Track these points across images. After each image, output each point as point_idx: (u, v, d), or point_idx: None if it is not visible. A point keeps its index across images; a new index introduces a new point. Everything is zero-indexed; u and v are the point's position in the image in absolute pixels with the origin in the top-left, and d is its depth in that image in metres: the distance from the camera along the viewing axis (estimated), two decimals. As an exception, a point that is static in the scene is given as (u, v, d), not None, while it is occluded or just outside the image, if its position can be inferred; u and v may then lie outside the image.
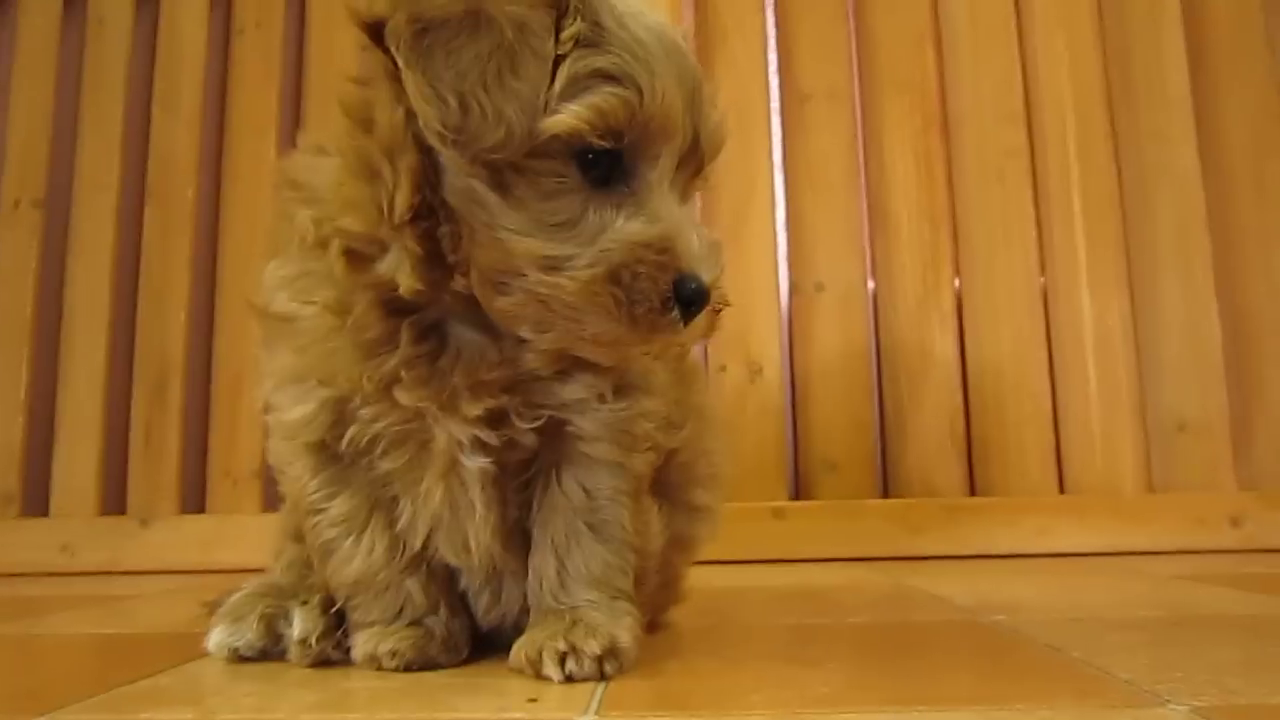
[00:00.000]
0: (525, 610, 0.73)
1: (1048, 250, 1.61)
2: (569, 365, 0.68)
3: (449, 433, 0.67)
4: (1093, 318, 1.58)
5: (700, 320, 0.62)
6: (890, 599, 1.05)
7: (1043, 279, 1.61)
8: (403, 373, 0.65)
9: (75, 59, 1.75)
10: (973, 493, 1.57)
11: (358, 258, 0.64)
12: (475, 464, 0.68)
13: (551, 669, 0.65)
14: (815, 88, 1.68)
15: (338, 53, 1.68)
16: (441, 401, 0.65)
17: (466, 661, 0.73)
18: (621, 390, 0.70)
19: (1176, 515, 1.51)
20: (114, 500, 1.64)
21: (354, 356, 0.66)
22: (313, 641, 0.72)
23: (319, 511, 0.71)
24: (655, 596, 0.81)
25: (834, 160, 1.66)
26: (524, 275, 0.61)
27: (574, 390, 0.68)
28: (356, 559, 0.71)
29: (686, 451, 0.80)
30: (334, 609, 0.74)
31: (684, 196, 0.66)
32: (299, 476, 0.72)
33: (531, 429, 0.68)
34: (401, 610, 0.71)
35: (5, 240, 1.71)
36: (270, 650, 0.74)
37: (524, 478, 0.71)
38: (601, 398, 0.69)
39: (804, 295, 1.64)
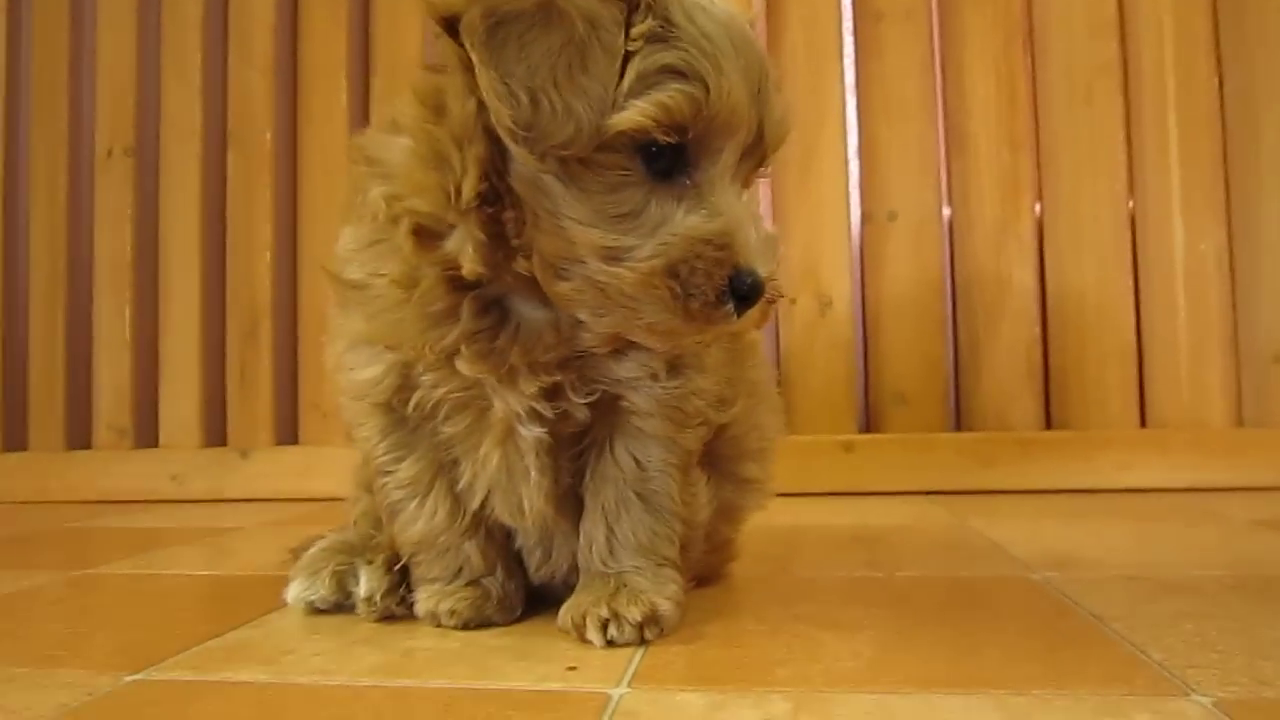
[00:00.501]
0: (575, 567, 0.77)
1: (1138, 173, 1.52)
2: (623, 345, 0.69)
3: (506, 403, 0.70)
4: (1184, 244, 1.50)
5: (754, 311, 0.64)
6: (946, 548, 1.05)
7: (1131, 204, 1.53)
8: (463, 346, 0.68)
9: (155, 10, 1.80)
10: (1049, 427, 1.54)
11: (425, 236, 0.67)
12: (531, 433, 0.71)
13: (594, 634, 0.68)
14: (890, 5, 1.60)
15: (404, -5, 1.68)
16: (500, 375, 0.68)
17: (522, 616, 0.77)
18: (674, 369, 0.72)
19: (1267, 451, 1.45)
20: (215, 433, 1.76)
21: (419, 326, 0.69)
22: (377, 599, 0.78)
23: (387, 473, 0.76)
24: (704, 559, 0.84)
25: (909, 82, 1.59)
26: (584, 263, 0.63)
27: (628, 368, 0.71)
28: (420, 521, 0.76)
29: (738, 426, 0.81)
30: (397, 567, 0.79)
31: (745, 186, 0.67)
32: (369, 437, 0.76)
33: (585, 403, 0.71)
34: (460, 570, 0.76)
35: (102, 187, 1.80)
36: (342, 604, 0.80)
37: (578, 447, 0.75)
38: (654, 376, 0.71)
39: (876, 224, 1.60)
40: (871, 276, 1.60)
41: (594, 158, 0.61)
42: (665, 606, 0.71)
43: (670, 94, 0.59)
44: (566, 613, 0.71)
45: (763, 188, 1.61)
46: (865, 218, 1.60)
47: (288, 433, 1.73)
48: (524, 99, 0.59)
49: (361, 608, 0.78)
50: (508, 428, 0.71)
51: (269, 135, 1.73)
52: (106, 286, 1.79)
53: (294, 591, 0.81)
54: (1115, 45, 1.53)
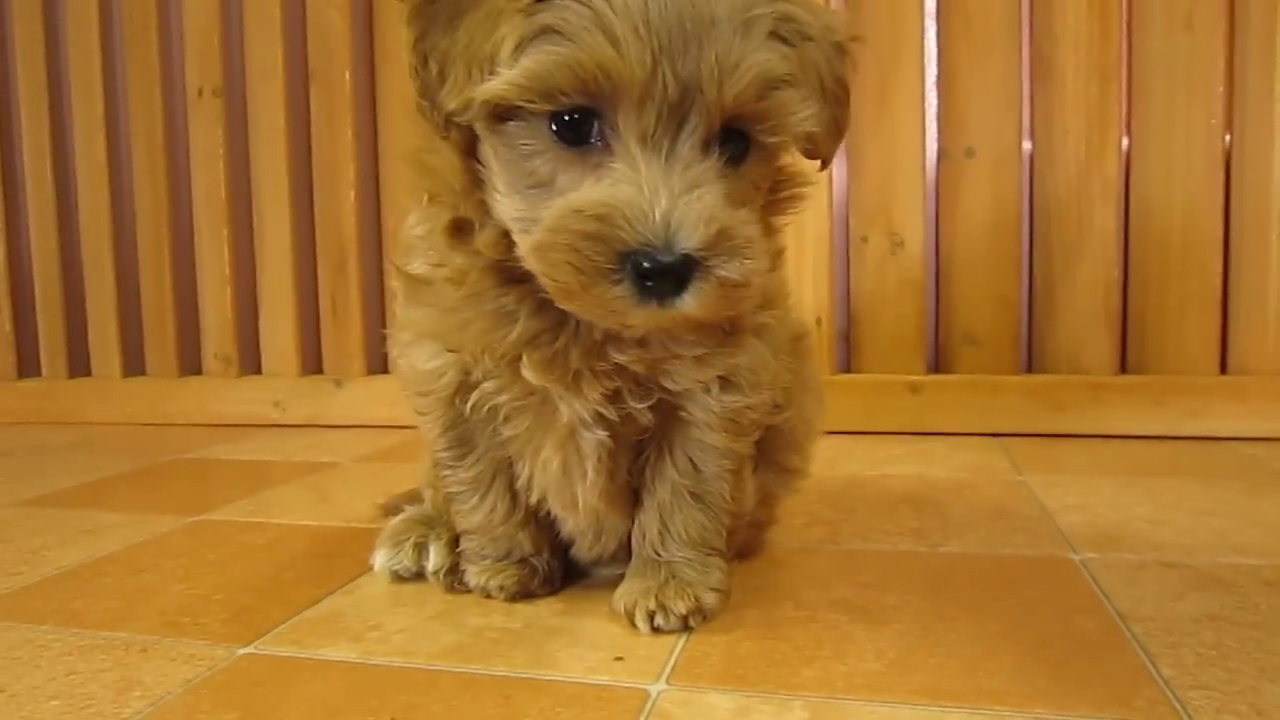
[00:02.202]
0: (623, 547, 0.83)
1: (1238, 107, 1.44)
2: (672, 355, 0.71)
3: (572, 409, 0.72)
4: (1283, 182, 1.43)
5: (698, 297, 0.58)
6: (994, 515, 1.08)
7: (1228, 139, 1.45)
8: (525, 354, 0.70)
9: (233, -49, 1.83)
10: (1122, 371, 1.52)
11: (458, 230, 0.70)
12: (594, 436, 0.74)
13: (641, 623, 0.75)
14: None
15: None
16: (566, 382, 0.71)
17: (576, 588, 0.86)
18: (728, 384, 0.74)
19: (1352, 401, 1.41)
20: (311, 362, 1.88)
21: (481, 328, 0.71)
22: (442, 575, 0.86)
23: (448, 467, 0.82)
24: (744, 535, 0.90)
25: (994, 7, 1.52)
26: (512, 235, 0.64)
27: (681, 381, 0.73)
28: (479, 514, 0.82)
29: (788, 421, 0.84)
30: (460, 546, 0.87)
31: (701, 151, 0.60)
32: (431, 428, 0.82)
33: (645, 407, 0.73)
34: (510, 552, 0.84)
35: (196, 126, 1.88)
36: (421, 573, 0.89)
37: (636, 447, 0.79)
38: (707, 389, 0.73)
39: (952, 161, 1.56)
40: (946, 215, 1.57)
41: (507, 128, 0.61)
42: (709, 598, 0.77)
43: (537, 58, 0.57)
44: (621, 598, 0.78)
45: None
46: (941, 154, 1.56)
47: (378, 362, 1.84)
48: (434, 70, 0.61)
49: (433, 580, 0.87)
50: (570, 431, 0.74)
51: (348, 74, 1.77)
52: (205, 222, 1.89)
53: (380, 560, 0.90)
54: (1222, -36, 1.42)
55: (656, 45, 0.56)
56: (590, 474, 0.76)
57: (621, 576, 0.82)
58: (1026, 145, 1.53)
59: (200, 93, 1.86)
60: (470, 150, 0.66)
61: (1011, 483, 1.23)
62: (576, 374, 0.70)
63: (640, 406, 0.73)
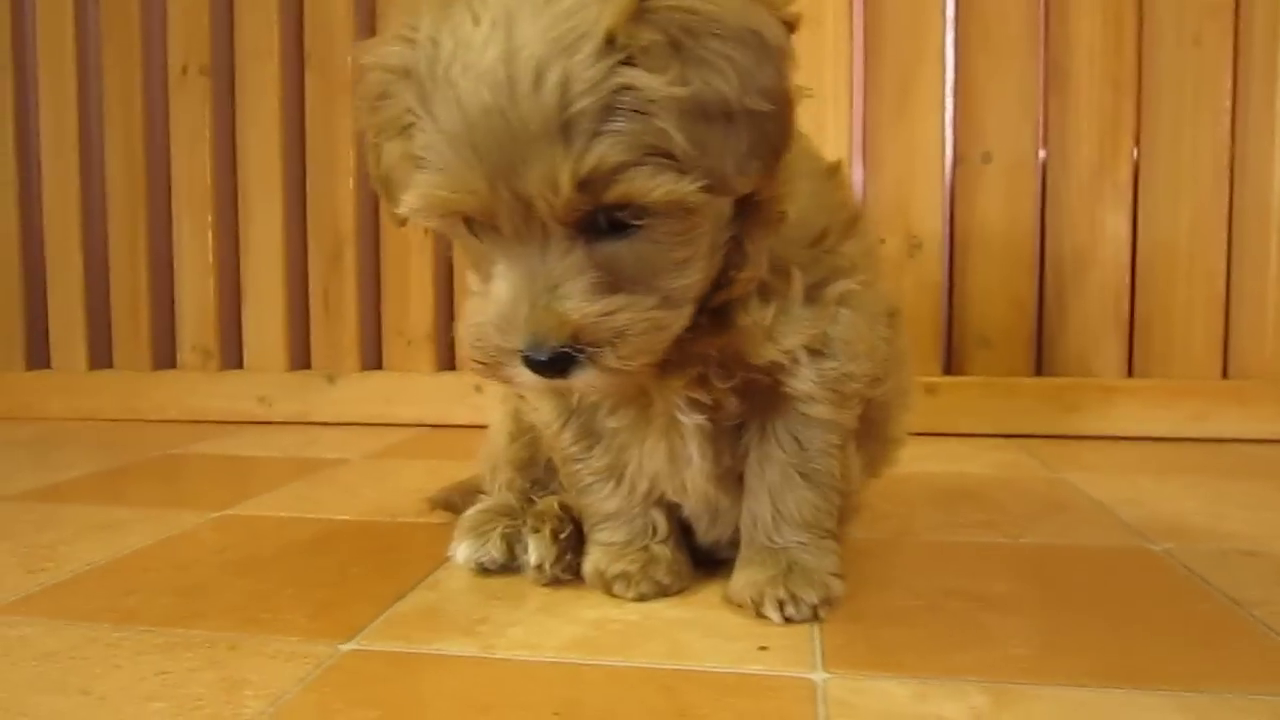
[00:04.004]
0: (739, 531, 0.81)
1: (1240, 120, 1.50)
2: (744, 336, 0.70)
3: (664, 396, 0.73)
4: (1283, 195, 1.49)
5: (588, 377, 0.61)
6: (1054, 508, 1.09)
7: (1232, 151, 1.51)
8: None
9: (228, -78, 1.74)
10: (1130, 374, 1.56)
11: None
12: (692, 420, 0.74)
13: (772, 612, 0.73)
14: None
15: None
16: (653, 371, 0.69)
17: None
18: (822, 354, 0.73)
19: (1346, 404, 1.47)
20: (300, 357, 1.79)
21: None
22: (546, 567, 0.82)
23: (578, 460, 0.81)
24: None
25: (1012, 16, 1.55)
26: None
27: (758, 355, 0.71)
28: (615, 499, 0.81)
29: (886, 394, 0.83)
30: (563, 536, 0.83)
31: (569, 242, 0.60)
32: (549, 422, 0.81)
33: (730, 387, 0.73)
34: (639, 534, 0.81)
35: (179, 106, 1.78)
36: (507, 565, 0.85)
37: (739, 430, 0.77)
38: (796, 360, 0.72)
39: (969, 166, 1.58)
40: (961, 218, 1.59)
41: (449, 228, 0.65)
42: (837, 586, 0.75)
43: (414, 192, 0.60)
44: (744, 590, 0.75)
45: (856, 123, 1.59)
46: (958, 159, 1.58)
47: (373, 358, 1.76)
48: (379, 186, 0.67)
49: (531, 574, 0.82)
50: (669, 418, 0.75)
51: (350, 59, 1.70)
52: (186, 208, 1.79)
53: (464, 552, 0.85)
54: (1230, -16, 1.48)
55: (489, 168, 0.57)
56: (695, 458, 0.77)
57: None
58: (1041, 152, 1.57)
59: (185, 70, 1.76)
60: None
61: (1052, 479, 1.25)
62: (660, 365, 0.68)
63: (724, 386, 0.72)
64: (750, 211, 0.65)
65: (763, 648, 0.69)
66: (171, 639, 0.71)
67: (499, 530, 0.85)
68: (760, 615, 0.74)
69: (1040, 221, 1.57)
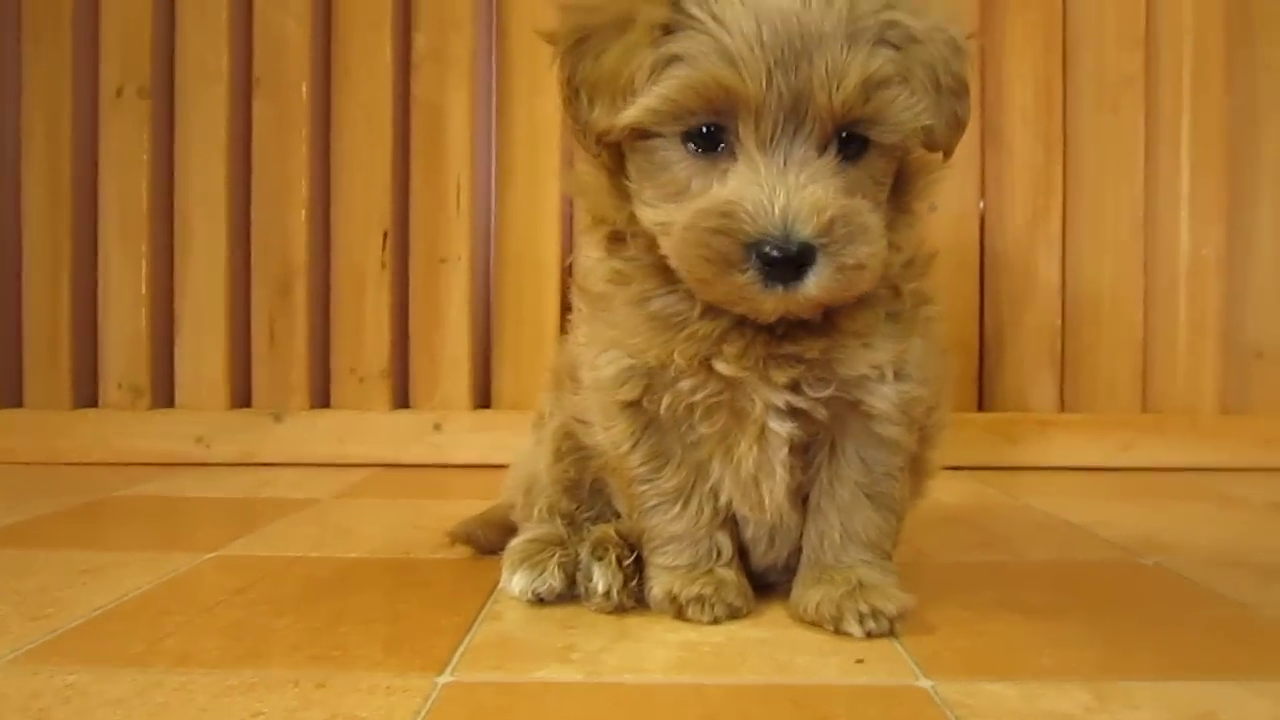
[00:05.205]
0: (793, 553, 0.83)
1: (1151, 179, 1.66)
2: (842, 342, 0.74)
3: (764, 399, 0.74)
4: (1189, 247, 1.66)
5: (818, 280, 0.65)
6: (1039, 530, 1.17)
7: (1145, 208, 1.67)
8: (720, 349, 0.73)
9: (176, -60, 1.67)
10: (1062, 409, 1.68)
11: (615, 239, 0.77)
12: (784, 428, 0.76)
13: (854, 627, 0.75)
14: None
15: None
16: (760, 372, 0.73)
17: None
18: (902, 375, 0.77)
19: (1247, 435, 1.64)
20: (241, 394, 1.70)
21: (655, 329, 0.74)
22: (614, 594, 0.81)
23: (646, 481, 0.80)
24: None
25: (951, 78, 1.67)
26: (657, 239, 0.72)
27: (854, 366, 0.75)
28: (683, 521, 0.81)
29: (936, 423, 0.87)
30: (626, 563, 0.83)
31: (817, 152, 0.67)
32: (619, 442, 0.80)
33: (820, 399, 0.75)
34: (704, 558, 0.81)
35: (113, 128, 1.68)
36: (565, 594, 0.84)
37: (806, 450, 0.80)
38: (882, 377, 0.76)
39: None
40: (908, 263, 1.69)
41: (648, 145, 0.70)
42: (909, 601, 0.78)
43: (667, 84, 0.66)
44: (821, 607, 0.77)
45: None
46: (906, 207, 1.68)
47: (321, 396, 1.70)
48: (584, 101, 0.70)
49: (597, 602, 0.81)
50: (761, 425, 0.76)
51: (305, 86, 1.65)
52: (117, 235, 1.68)
53: (520, 583, 0.84)
54: (1141, 59, 1.65)
55: (770, 61, 0.64)
56: (779, 470, 0.78)
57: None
58: (981, 204, 1.69)
59: (120, 91, 1.67)
60: (618, 169, 0.75)
61: (1018, 506, 1.33)
62: (765, 363, 0.73)
63: (817, 397, 0.75)
64: (897, 196, 0.74)
65: (859, 660, 0.71)
66: (245, 680, 0.67)
67: (554, 559, 0.84)
68: (839, 631, 0.76)
69: (979, 267, 1.69)
